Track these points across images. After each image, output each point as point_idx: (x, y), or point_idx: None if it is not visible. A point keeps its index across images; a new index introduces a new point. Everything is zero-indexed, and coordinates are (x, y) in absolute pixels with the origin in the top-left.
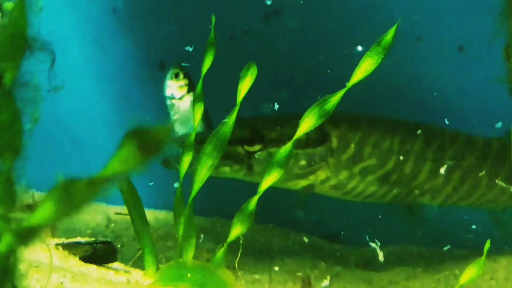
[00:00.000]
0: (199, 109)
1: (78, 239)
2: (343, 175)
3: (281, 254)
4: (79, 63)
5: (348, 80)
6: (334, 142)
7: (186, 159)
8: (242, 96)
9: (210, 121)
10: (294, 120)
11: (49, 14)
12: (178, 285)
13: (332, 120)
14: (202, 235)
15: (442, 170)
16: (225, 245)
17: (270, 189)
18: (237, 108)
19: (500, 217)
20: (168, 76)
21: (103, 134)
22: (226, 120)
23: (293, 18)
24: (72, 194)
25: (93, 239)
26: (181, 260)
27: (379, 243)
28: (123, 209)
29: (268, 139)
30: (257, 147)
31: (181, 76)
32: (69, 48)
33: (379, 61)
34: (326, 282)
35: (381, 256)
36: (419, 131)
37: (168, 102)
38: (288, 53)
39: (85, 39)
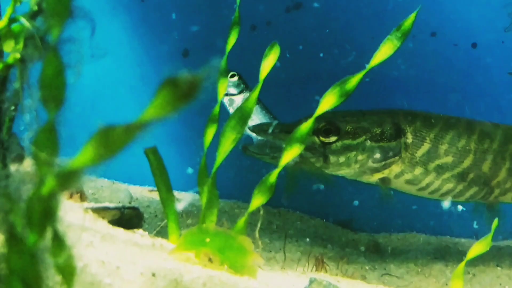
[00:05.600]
0: (223, 84)
1: (107, 204)
2: (418, 170)
3: (295, 236)
4: (107, 48)
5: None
6: (409, 137)
7: (210, 131)
8: (265, 74)
9: (267, 109)
10: (370, 115)
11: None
12: (199, 249)
13: (407, 116)
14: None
15: None
16: (246, 215)
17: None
18: (259, 85)
19: None
20: None
21: (126, 119)
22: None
23: (315, 11)
24: (111, 139)
25: (120, 204)
26: (203, 226)
27: None
28: (144, 189)
29: (344, 131)
30: (332, 138)
31: (236, 77)
32: (97, 34)
33: (398, 46)
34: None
35: None
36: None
37: (225, 99)
38: (310, 45)
39: (113, 25)
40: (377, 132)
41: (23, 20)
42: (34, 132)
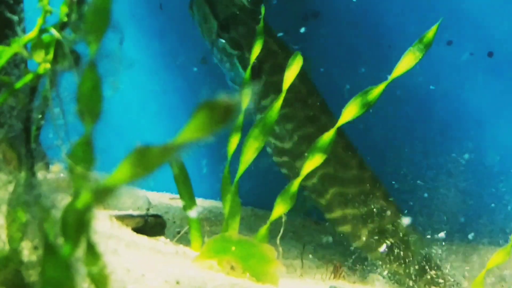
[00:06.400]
0: (247, 95)
1: (130, 211)
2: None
3: (312, 243)
4: (127, 56)
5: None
6: (261, 86)
7: (234, 140)
8: (288, 85)
9: None
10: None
11: None
12: (223, 257)
13: (273, 67)
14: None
15: None
16: (268, 223)
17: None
18: (282, 95)
19: None
20: None
21: (145, 125)
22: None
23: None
24: (147, 159)
25: (144, 212)
26: (226, 234)
27: None
28: (162, 195)
29: (230, 36)
30: (224, 35)
31: None
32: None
33: (420, 57)
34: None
35: None
36: None
37: None
38: (327, 54)
39: (132, 34)
40: (246, 56)
41: (53, 31)
42: (70, 145)
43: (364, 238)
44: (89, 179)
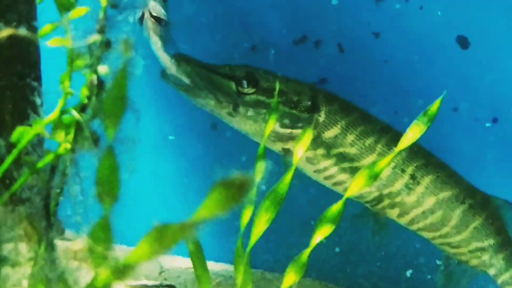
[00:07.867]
0: (261, 168)
1: (144, 281)
2: (320, 151)
3: None
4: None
5: None
6: (322, 116)
7: (247, 213)
8: (298, 159)
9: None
10: (292, 82)
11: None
12: None
13: (328, 96)
14: None
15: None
16: None
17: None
18: (292, 169)
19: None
20: None
21: (154, 186)
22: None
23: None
24: (165, 236)
25: (158, 282)
26: None
27: None
28: (174, 258)
29: (261, 87)
30: (249, 90)
31: None
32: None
33: (425, 130)
34: None
35: None
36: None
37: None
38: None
39: (143, 97)
40: (293, 99)
41: (74, 112)
42: (90, 226)
43: None
44: (108, 258)
